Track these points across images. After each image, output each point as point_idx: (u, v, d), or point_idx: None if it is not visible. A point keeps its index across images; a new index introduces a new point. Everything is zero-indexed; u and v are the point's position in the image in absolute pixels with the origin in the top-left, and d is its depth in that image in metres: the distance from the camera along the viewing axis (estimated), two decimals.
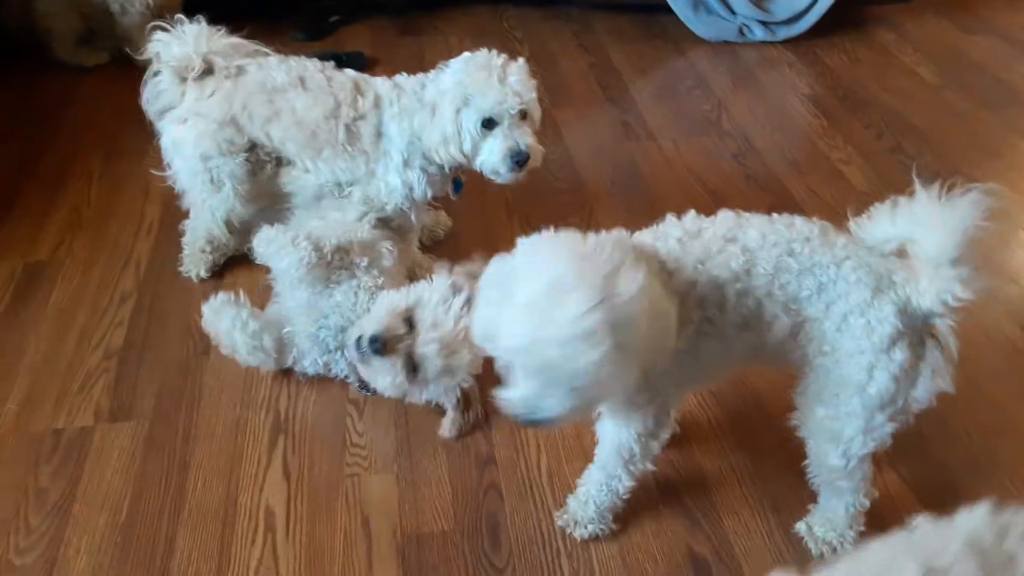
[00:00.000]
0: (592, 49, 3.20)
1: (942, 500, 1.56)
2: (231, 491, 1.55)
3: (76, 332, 1.88)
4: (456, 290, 1.58)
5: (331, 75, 1.83)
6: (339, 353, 1.70)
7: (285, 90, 1.81)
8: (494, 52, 1.71)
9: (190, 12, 3.21)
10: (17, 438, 1.64)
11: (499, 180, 1.74)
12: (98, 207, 2.29)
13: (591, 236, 1.11)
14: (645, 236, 1.27)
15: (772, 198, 2.38)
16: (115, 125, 2.65)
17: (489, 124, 1.68)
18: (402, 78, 1.83)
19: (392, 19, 3.33)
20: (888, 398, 1.22)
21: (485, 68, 1.67)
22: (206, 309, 1.72)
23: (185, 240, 2.04)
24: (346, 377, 1.73)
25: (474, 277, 1.68)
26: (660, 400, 1.29)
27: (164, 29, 1.82)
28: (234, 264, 2.07)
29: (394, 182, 1.83)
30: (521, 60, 1.72)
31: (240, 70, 1.83)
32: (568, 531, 1.48)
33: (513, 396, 1.08)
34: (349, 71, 1.86)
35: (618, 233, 1.21)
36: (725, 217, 1.27)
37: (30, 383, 1.76)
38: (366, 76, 1.86)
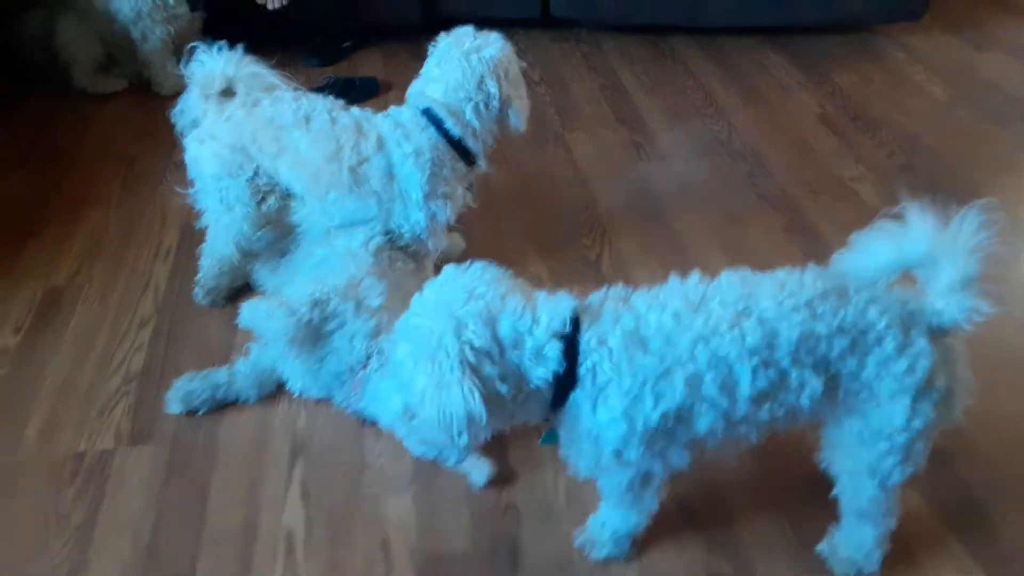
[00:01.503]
0: (602, 71, 3.23)
1: (964, 518, 1.55)
2: (251, 513, 1.56)
3: (96, 356, 1.90)
4: None
5: (336, 116, 1.85)
6: (340, 391, 1.71)
7: (291, 129, 1.83)
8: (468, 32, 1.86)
9: (209, 38, 3.28)
10: (38, 462, 1.66)
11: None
12: (117, 232, 2.32)
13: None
14: (639, 302, 1.22)
15: (785, 218, 2.39)
16: (133, 151, 2.70)
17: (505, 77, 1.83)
18: (398, 111, 1.86)
19: (404, 43, 3.38)
20: (931, 425, 1.22)
21: (460, 46, 1.82)
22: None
23: (201, 263, 2.06)
24: (347, 407, 1.73)
25: None
26: (635, 471, 1.27)
27: (204, 50, 1.88)
28: (248, 290, 2.09)
29: (416, 217, 1.86)
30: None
31: (256, 102, 1.87)
32: (585, 552, 1.47)
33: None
34: (355, 111, 1.89)
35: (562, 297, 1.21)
36: (730, 282, 1.23)
37: (51, 407, 1.77)
38: (369, 115, 1.88)
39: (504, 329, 1.12)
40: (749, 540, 1.52)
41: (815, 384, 1.19)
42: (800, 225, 2.36)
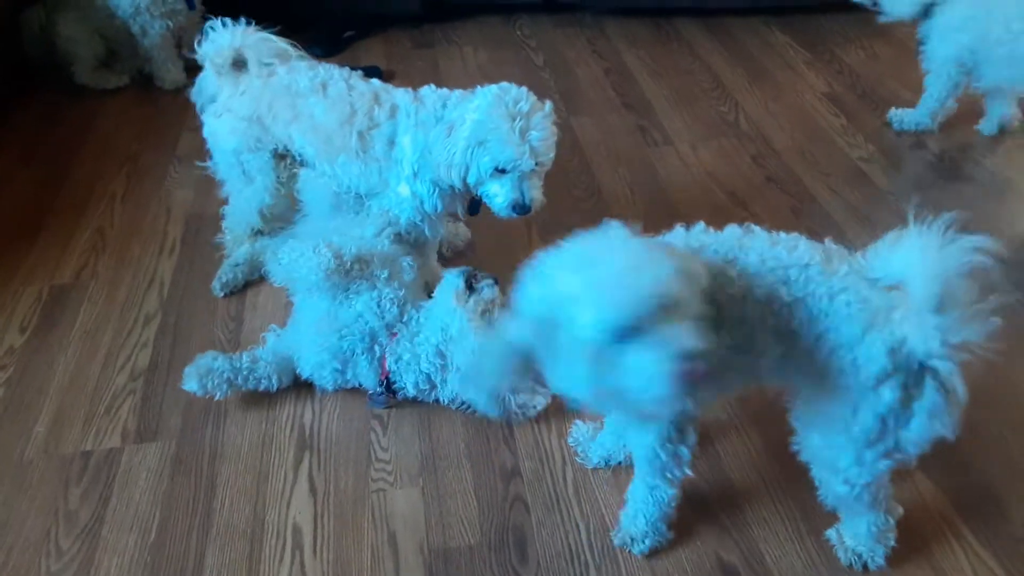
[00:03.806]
0: (606, 55, 3.19)
1: (979, 505, 1.53)
2: (258, 509, 1.56)
3: (102, 354, 1.90)
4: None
5: (354, 84, 1.86)
6: (363, 358, 1.70)
7: (307, 95, 1.85)
8: (523, 93, 1.70)
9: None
10: (46, 460, 1.66)
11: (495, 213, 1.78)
12: (121, 228, 2.32)
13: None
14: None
15: (794, 200, 2.36)
16: (136, 146, 2.69)
17: (500, 170, 1.69)
18: (427, 91, 1.84)
19: (406, 32, 3.35)
20: (874, 437, 1.18)
21: (509, 116, 1.66)
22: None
23: (226, 224, 2.11)
24: (360, 384, 1.74)
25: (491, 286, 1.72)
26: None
27: (212, 26, 1.91)
28: (257, 284, 2.08)
29: (404, 193, 1.84)
30: (548, 107, 1.72)
31: (271, 72, 1.89)
32: (627, 549, 1.46)
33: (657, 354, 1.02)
34: (376, 82, 1.89)
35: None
36: (729, 236, 1.24)
37: (58, 405, 1.78)
38: (389, 87, 1.88)
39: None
40: (758, 526, 1.50)
41: (775, 350, 1.19)
42: (809, 207, 2.33)
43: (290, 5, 3.29)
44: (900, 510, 1.41)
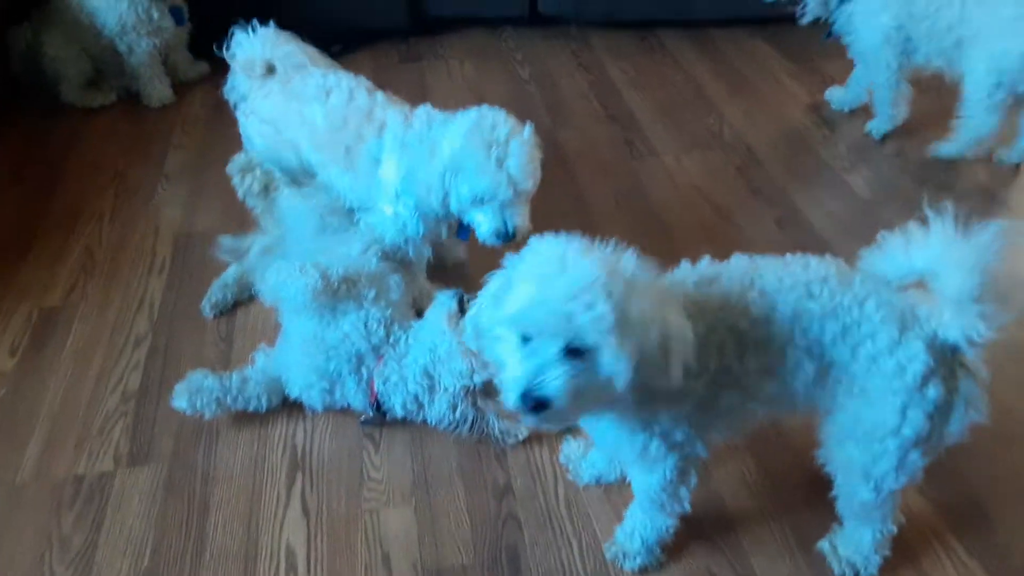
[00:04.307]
0: (591, 67, 3.22)
1: (968, 517, 1.55)
2: (251, 531, 1.56)
3: (93, 376, 1.90)
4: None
5: (357, 95, 1.89)
6: (350, 379, 1.71)
7: (311, 102, 1.91)
8: (502, 118, 1.70)
9: (195, 47, 3.25)
10: (39, 485, 1.66)
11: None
12: (110, 247, 2.32)
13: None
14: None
15: (779, 211, 2.39)
16: (124, 164, 2.69)
17: (480, 199, 1.70)
18: (421, 111, 1.86)
19: (393, 46, 3.36)
20: (924, 436, 1.21)
21: (487, 145, 1.66)
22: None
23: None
24: (349, 405, 1.75)
25: None
26: (679, 450, 1.27)
27: (240, 32, 2.03)
28: (247, 304, 2.09)
29: (388, 212, 1.86)
30: (527, 131, 1.72)
31: (288, 79, 1.97)
32: (618, 563, 1.47)
33: (516, 370, 1.08)
34: (379, 94, 1.92)
35: None
36: (739, 262, 1.26)
37: (50, 429, 1.78)
38: (387, 103, 1.89)
39: None
40: (749, 541, 1.52)
41: (806, 368, 1.20)
42: (793, 218, 2.36)
43: (278, 19, 3.30)
44: (902, 519, 1.44)
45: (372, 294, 1.74)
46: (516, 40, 3.43)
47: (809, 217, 2.36)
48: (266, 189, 1.92)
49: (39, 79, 2.95)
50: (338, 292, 1.70)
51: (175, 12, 2.94)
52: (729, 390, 1.22)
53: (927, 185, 2.48)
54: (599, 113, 2.91)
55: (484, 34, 3.46)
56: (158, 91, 2.99)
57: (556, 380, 1.05)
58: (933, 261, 1.15)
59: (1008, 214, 2.37)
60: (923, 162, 2.57)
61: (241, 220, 2.31)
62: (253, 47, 2.00)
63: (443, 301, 1.70)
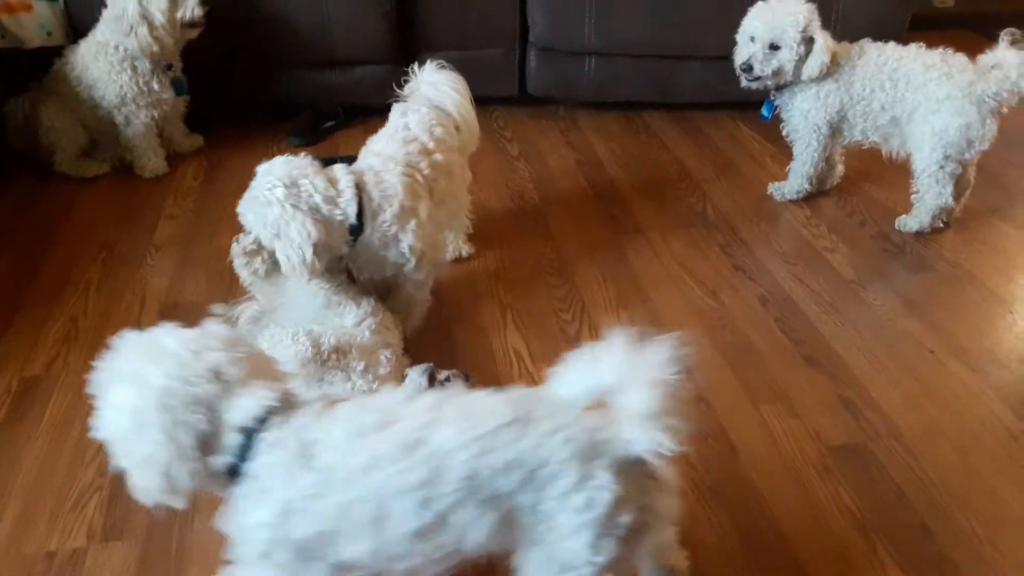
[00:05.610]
0: (579, 146, 3.30)
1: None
2: None
3: (70, 449, 1.87)
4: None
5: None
6: None
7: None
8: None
9: (192, 120, 3.31)
10: (10, 561, 1.62)
11: None
12: (95, 317, 2.31)
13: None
14: (339, 412, 1.22)
15: (761, 288, 2.42)
16: (114, 233, 2.71)
17: None
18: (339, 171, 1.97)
19: (385, 122, 3.43)
20: (615, 560, 1.17)
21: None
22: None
23: None
24: None
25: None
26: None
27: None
28: None
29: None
30: None
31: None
32: None
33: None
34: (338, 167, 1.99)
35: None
36: (422, 407, 1.19)
37: (23, 502, 1.74)
38: (342, 173, 1.96)
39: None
40: None
41: (485, 520, 1.14)
42: (776, 295, 2.39)
43: (273, 96, 3.38)
44: None
45: (361, 366, 1.74)
46: (506, 119, 3.52)
47: (791, 295, 2.39)
48: (270, 272, 1.92)
49: (34, 149, 2.99)
50: (328, 362, 1.70)
51: (176, 83, 3.00)
52: (355, 547, 1.17)
53: (908, 267, 2.54)
54: (586, 190, 2.97)
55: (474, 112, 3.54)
56: (152, 163, 3.03)
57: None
58: (614, 379, 1.13)
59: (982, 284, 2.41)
60: (903, 244, 2.63)
61: (227, 290, 2.32)
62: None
63: (412, 379, 1.71)
